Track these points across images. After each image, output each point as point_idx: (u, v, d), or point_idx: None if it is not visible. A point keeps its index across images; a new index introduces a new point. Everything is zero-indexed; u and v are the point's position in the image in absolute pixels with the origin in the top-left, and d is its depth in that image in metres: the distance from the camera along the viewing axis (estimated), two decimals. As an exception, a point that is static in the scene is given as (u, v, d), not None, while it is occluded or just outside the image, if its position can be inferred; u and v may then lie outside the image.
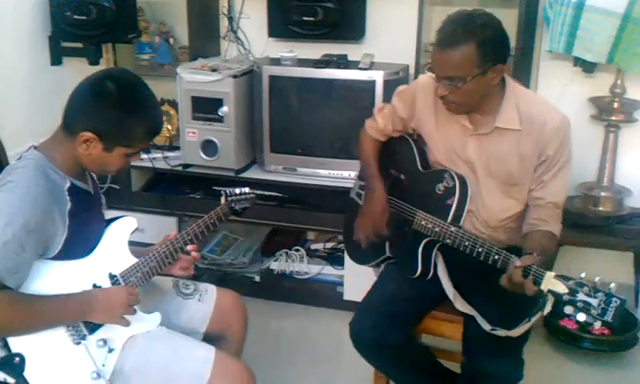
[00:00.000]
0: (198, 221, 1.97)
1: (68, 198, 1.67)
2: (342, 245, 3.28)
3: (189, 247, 1.95)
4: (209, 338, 1.99)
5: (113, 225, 1.84)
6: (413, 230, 2.06)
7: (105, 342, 1.69)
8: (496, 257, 1.82)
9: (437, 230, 1.97)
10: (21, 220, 1.52)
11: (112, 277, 1.76)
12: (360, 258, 2.38)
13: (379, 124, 2.26)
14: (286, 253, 3.42)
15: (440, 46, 1.85)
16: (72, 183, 1.70)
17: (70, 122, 1.69)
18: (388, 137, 2.28)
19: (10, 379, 1.60)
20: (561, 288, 1.65)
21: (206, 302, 2.06)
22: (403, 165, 2.23)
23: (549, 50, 2.79)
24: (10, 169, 1.64)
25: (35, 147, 1.71)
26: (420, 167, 2.16)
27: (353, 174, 2.81)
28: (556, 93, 2.78)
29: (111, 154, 1.70)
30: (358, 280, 2.85)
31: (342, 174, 3.01)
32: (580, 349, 2.78)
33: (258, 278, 3.34)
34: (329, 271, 3.33)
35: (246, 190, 2.14)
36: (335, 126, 3.03)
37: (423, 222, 2.02)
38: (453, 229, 1.94)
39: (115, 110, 1.65)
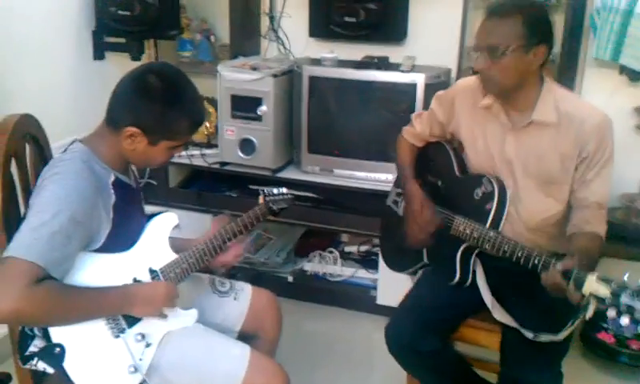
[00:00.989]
0: (237, 220, 1.99)
1: (112, 191, 1.69)
2: (377, 248, 3.28)
3: (230, 245, 1.97)
4: (243, 337, 2.00)
5: (154, 220, 1.85)
6: (451, 235, 2.05)
7: (143, 336, 1.71)
8: (536, 261, 1.79)
9: (475, 235, 1.96)
10: (68, 212, 1.53)
11: (152, 272, 1.78)
12: (397, 266, 2.38)
13: (417, 129, 2.28)
14: (320, 254, 3.43)
15: (487, 15, 1.87)
16: (116, 177, 1.72)
17: (114, 118, 1.70)
18: (425, 142, 2.29)
19: (50, 369, 1.63)
20: (603, 291, 1.60)
21: (241, 301, 2.07)
22: (440, 171, 2.23)
23: (595, 57, 2.75)
24: (56, 161, 1.66)
25: (80, 141, 1.73)
26: (457, 173, 2.16)
27: (390, 177, 2.81)
28: (601, 101, 2.71)
29: (156, 148, 1.72)
30: (391, 284, 2.87)
31: (379, 177, 3.00)
32: (617, 363, 2.74)
33: (290, 279, 3.35)
34: (362, 274, 3.33)
35: (284, 190, 2.15)
36: (374, 129, 3.02)
37: (461, 228, 2.01)
38: (492, 233, 1.93)
39: (159, 104, 1.66)
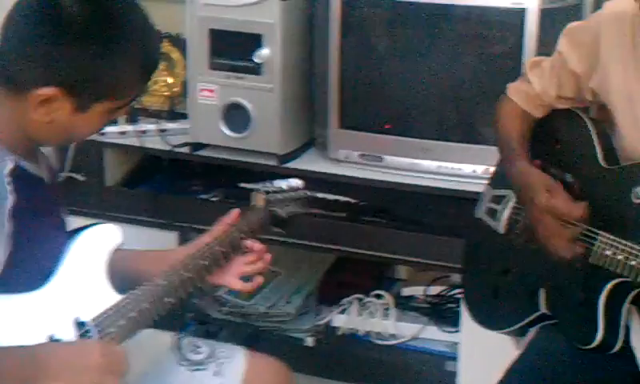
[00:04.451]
0: (221, 236, 2.03)
1: (10, 188, 1.69)
2: (458, 291, 3.27)
3: (248, 243, 2.05)
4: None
5: (82, 236, 1.88)
6: (589, 265, 2.05)
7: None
8: None
9: (633, 263, 1.95)
10: None
11: (80, 325, 1.78)
12: (493, 320, 2.39)
13: (534, 87, 2.28)
14: (360, 300, 3.45)
15: None
16: (16, 165, 1.73)
17: (12, 75, 1.72)
18: (548, 109, 2.29)
19: None
20: None
21: (227, 377, 2.10)
22: (573, 159, 2.23)
23: None
24: None
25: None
26: (603, 162, 2.16)
27: (481, 168, 2.80)
28: None
29: (85, 115, 1.74)
30: (482, 351, 2.90)
31: (460, 169, 3.01)
32: None
33: (310, 342, 3.38)
34: (432, 335, 3.34)
35: (295, 183, 2.22)
36: (452, 89, 3.04)
37: (608, 252, 2.00)
38: None
39: (87, 44, 1.69)
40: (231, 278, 2.08)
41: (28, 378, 1.66)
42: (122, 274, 1.93)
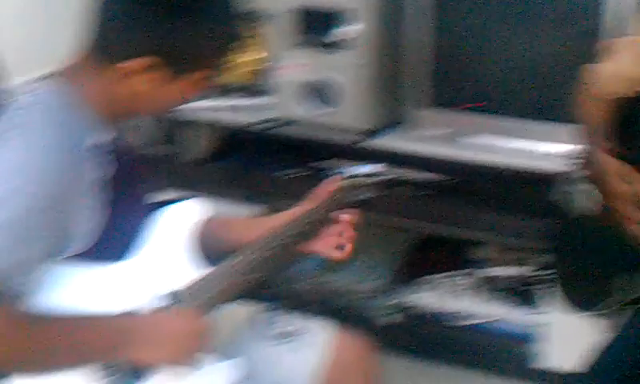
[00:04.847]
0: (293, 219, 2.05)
1: (99, 160, 1.71)
2: (539, 274, 3.26)
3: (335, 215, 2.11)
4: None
5: (168, 212, 1.90)
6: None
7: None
8: None
9: None
10: (30, 191, 1.56)
11: (164, 298, 1.81)
12: (585, 300, 2.37)
13: (609, 70, 2.24)
14: (438, 280, 3.45)
15: None
16: (106, 138, 1.75)
17: (104, 46, 1.73)
18: (623, 92, 2.25)
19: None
20: None
21: (308, 352, 2.11)
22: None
23: None
24: (14, 112, 1.68)
25: (49, 78, 1.75)
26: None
27: (564, 149, 2.78)
28: None
29: (173, 86, 1.76)
30: (563, 333, 2.93)
31: (546, 149, 2.99)
32: None
33: (389, 321, 3.39)
34: (512, 316, 3.32)
35: (377, 168, 2.24)
36: (540, 66, 3.00)
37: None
38: None
39: (177, 12, 1.70)
40: (323, 245, 2.12)
41: (113, 346, 1.69)
42: (214, 242, 1.96)
